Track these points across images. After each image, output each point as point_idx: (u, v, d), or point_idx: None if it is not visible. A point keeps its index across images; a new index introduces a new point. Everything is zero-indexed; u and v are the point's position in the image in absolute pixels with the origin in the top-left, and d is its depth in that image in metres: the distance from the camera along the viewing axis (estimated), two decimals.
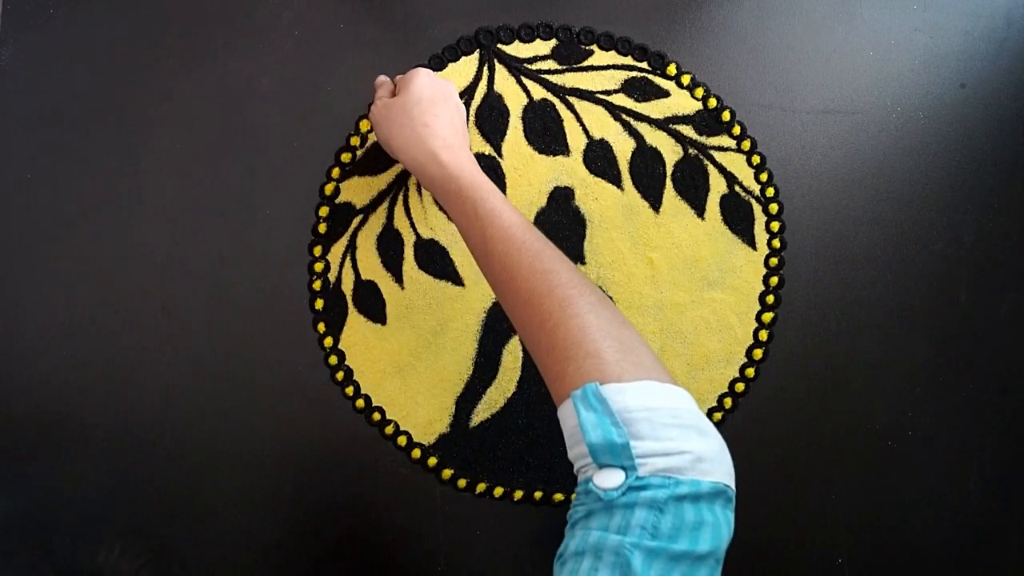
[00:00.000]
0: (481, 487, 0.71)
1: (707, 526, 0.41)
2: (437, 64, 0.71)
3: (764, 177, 0.72)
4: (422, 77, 0.62)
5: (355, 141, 0.71)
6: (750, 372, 0.72)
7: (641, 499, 0.41)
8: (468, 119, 0.71)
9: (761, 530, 0.72)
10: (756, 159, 0.72)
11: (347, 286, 0.70)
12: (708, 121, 0.72)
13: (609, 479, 0.42)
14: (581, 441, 0.44)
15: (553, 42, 0.72)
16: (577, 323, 0.47)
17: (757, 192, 0.72)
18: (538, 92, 0.71)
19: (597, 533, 0.41)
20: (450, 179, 0.57)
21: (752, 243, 0.72)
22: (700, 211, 0.72)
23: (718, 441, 0.45)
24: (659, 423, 0.43)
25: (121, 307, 0.69)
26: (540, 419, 0.71)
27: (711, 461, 0.43)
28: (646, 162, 0.72)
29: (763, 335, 0.72)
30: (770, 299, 0.72)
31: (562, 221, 0.71)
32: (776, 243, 0.72)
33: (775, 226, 0.72)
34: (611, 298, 0.71)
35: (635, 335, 0.48)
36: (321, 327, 0.70)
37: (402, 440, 0.70)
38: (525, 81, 0.71)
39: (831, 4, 0.73)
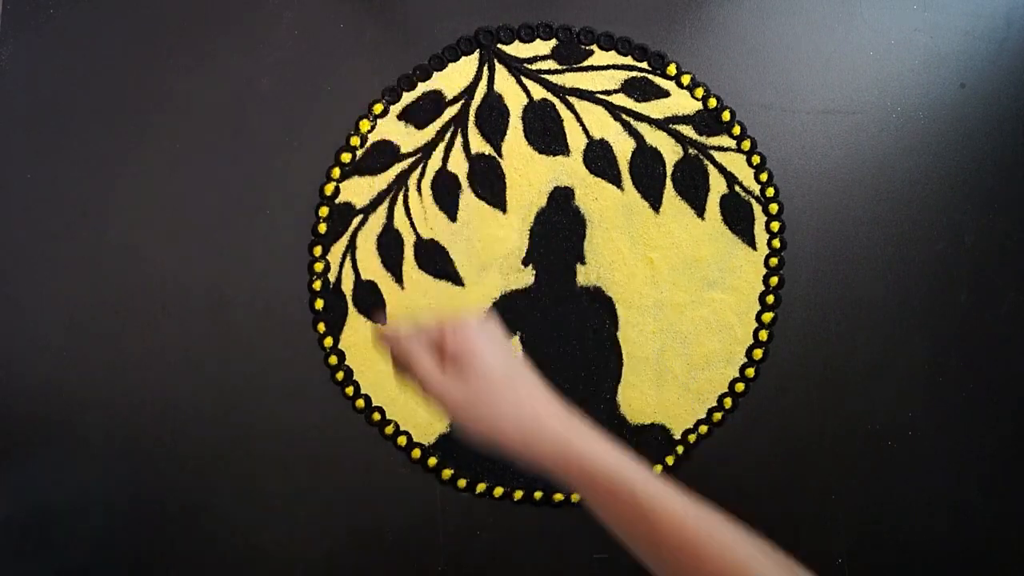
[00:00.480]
0: (481, 487, 0.71)
1: None
2: (437, 64, 0.71)
3: (764, 177, 0.72)
4: (484, 348, 0.45)
5: (355, 141, 0.71)
6: (750, 372, 0.72)
7: None
8: (468, 120, 0.71)
9: (761, 530, 0.72)
10: (756, 159, 0.72)
11: (347, 286, 0.70)
12: (708, 121, 0.72)
13: None
14: None
15: (553, 42, 0.72)
16: None
17: (757, 192, 0.72)
18: (538, 92, 0.71)
19: None
20: (596, 472, 0.45)
21: (752, 243, 0.72)
22: (700, 211, 0.72)
23: None
24: None
25: (121, 307, 0.69)
26: None
27: None
28: (646, 162, 0.72)
29: (763, 335, 0.72)
30: (770, 299, 0.72)
31: (562, 221, 0.71)
32: (776, 243, 0.72)
33: (775, 226, 0.72)
34: (611, 299, 0.71)
35: None
36: (321, 327, 0.70)
37: (402, 440, 0.70)
38: (525, 81, 0.71)
39: (831, 4, 0.73)
